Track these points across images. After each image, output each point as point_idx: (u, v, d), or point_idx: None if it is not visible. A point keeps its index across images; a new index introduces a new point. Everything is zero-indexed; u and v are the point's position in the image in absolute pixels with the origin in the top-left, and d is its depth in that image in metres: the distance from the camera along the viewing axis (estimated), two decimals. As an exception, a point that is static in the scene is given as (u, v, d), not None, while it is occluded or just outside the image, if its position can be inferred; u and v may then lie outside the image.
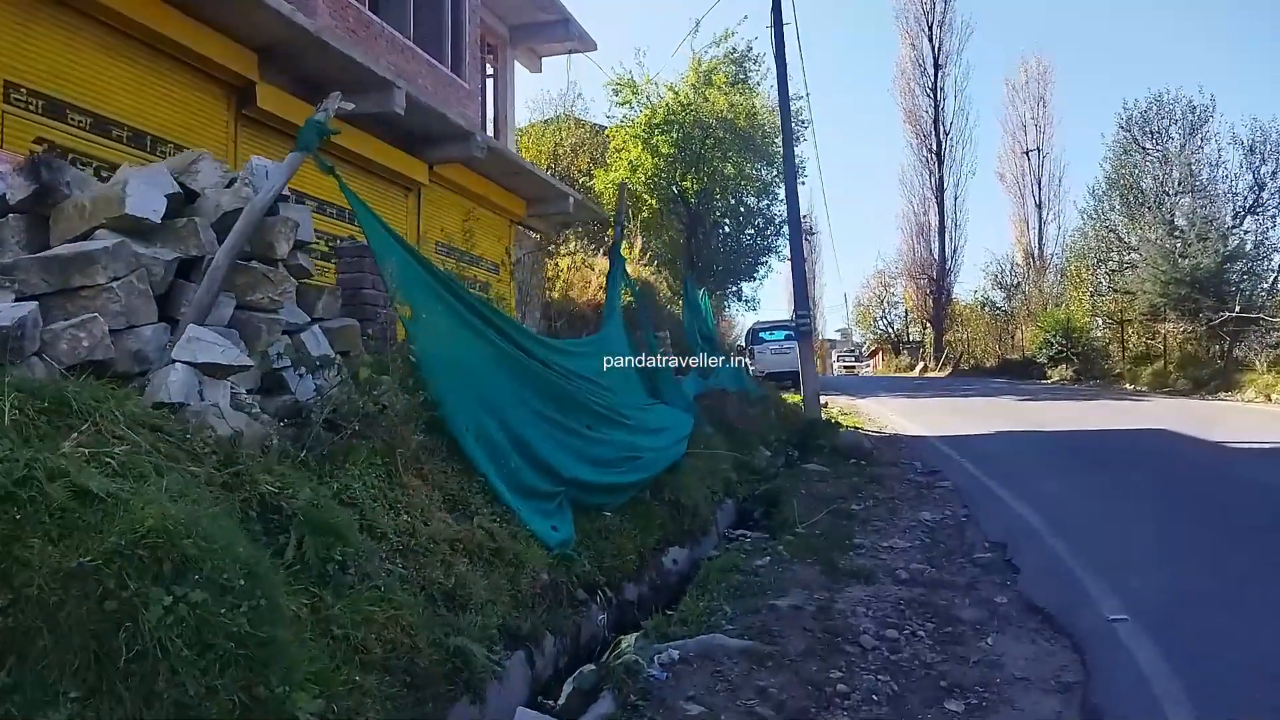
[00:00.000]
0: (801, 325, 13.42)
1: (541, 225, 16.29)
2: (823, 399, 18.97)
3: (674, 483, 6.65)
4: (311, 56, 8.33)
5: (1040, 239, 43.14)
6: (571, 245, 20.04)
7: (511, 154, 14.34)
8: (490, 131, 17.16)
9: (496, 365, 5.48)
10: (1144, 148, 26.65)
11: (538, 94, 54.14)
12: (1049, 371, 28.17)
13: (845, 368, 59.44)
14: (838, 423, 13.44)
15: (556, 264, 18.87)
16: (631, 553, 5.58)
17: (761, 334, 27.04)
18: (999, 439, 11.45)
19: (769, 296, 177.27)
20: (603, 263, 20.12)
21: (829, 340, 70.57)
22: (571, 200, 15.05)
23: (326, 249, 9.68)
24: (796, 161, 29.67)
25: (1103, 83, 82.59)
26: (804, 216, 35.95)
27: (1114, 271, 27.43)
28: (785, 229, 31.24)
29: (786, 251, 32.37)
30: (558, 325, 17.32)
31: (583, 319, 18.02)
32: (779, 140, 28.41)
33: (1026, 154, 44.23)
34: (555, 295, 17.97)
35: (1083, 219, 29.68)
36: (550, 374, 6.08)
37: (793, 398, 19.16)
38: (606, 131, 28.21)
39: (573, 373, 6.60)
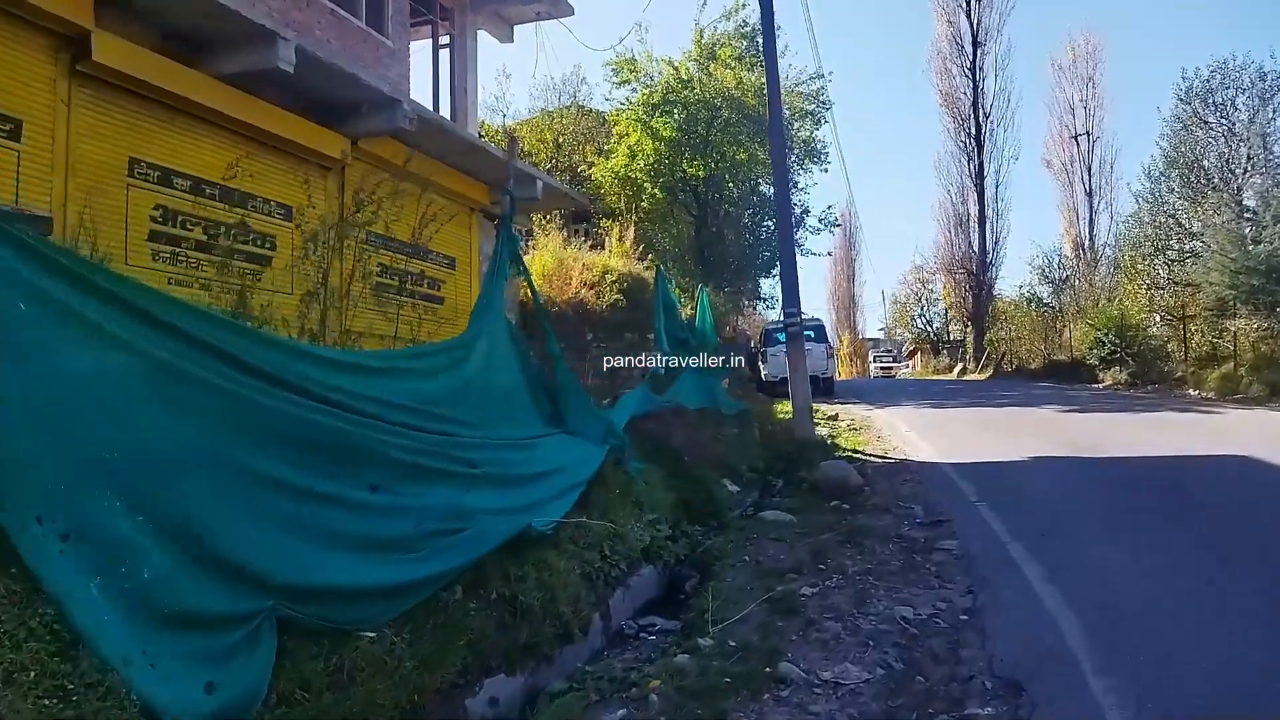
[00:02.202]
0: (790, 326, 11.08)
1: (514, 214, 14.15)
2: (833, 410, 16.60)
3: (523, 561, 4.45)
4: (160, -4, 6.55)
5: (1091, 229, 40.14)
6: (555, 238, 17.86)
7: (460, 130, 12.30)
8: (445, 107, 15.14)
9: (165, 402, 3.33)
10: (1206, 122, 23.68)
11: (542, 81, 51.77)
12: (1100, 374, 25.22)
13: (882, 369, 56.77)
14: (834, 444, 11.06)
15: (552, 255, 16.72)
16: (394, 705, 3.40)
17: (776, 335, 24.40)
18: (1034, 469, 9.00)
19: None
20: (590, 256, 17.98)
21: (870, 340, 67.82)
22: (540, 184, 12.92)
23: (204, 238, 7.81)
24: (819, 146, 27.46)
25: (1158, 60, 77.63)
26: (829, 207, 33.59)
27: (1174, 261, 24.46)
28: (807, 220, 28.96)
29: (810, 245, 30.16)
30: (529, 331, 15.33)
31: (562, 320, 15.94)
32: (797, 123, 26.12)
33: (1075, 138, 41.21)
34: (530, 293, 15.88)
35: (1138, 203, 26.67)
36: (308, 409, 3.91)
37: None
38: (608, 117, 26.06)
39: (371, 400, 4.42)
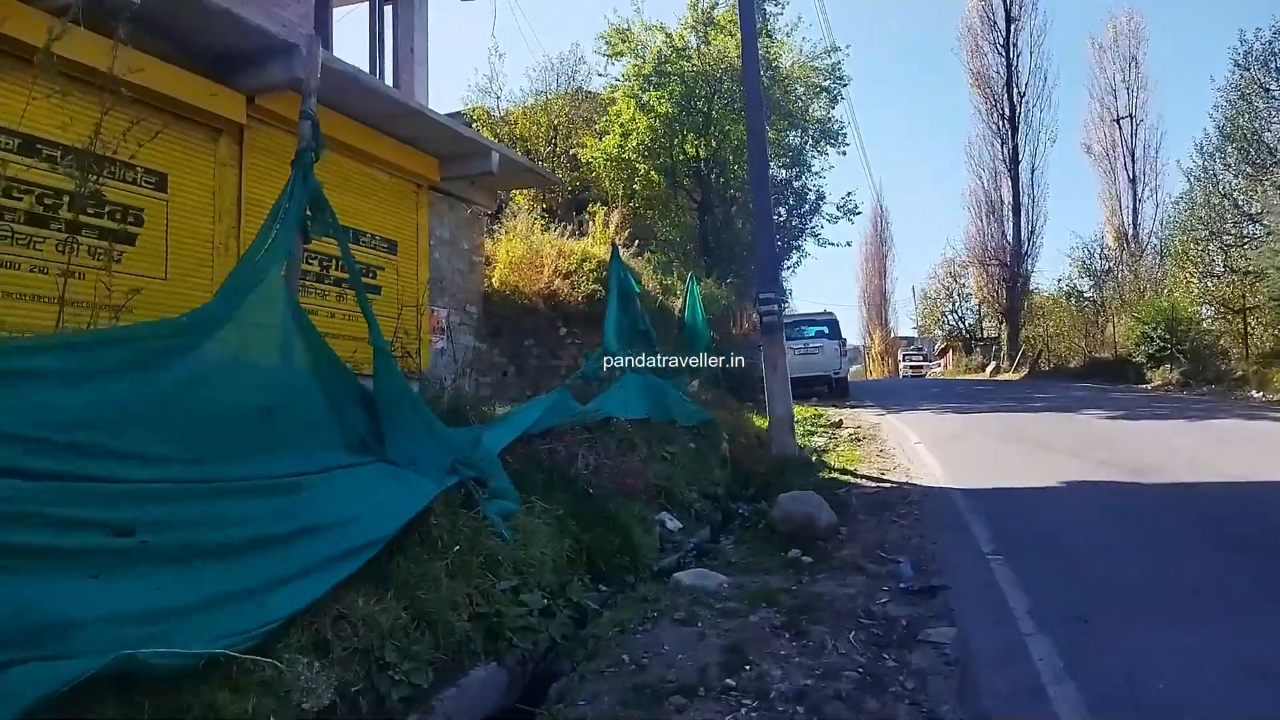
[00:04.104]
0: (766, 315, 8.96)
1: (474, 193, 12.33)
2: (839, 415, 14.45)
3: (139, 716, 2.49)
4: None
5: (1135, 218, 37.37)
6: (525, 221, 15.96)
7: (390, 89, 10.48)
8: (388, 74, 13.28)
9: None
10: (1267, 89, 21.07)
11: (540, 61, 50.12)
12: (1149, 373, 22.66)
13: (912, 368, 54.30)
14: (822, 461, 8.94)
15: (523, 240, 14.82)
16: None
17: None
18: (1072, 501, 6.85)
19: (805, 284, 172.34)
20: (568, 243, 16.01)
21: (903, 338, 65.43)
22: (495, 156, 11.07)
23: (39, 209, 6.14)
24: (836, 127, 25.18)
25: (1206, 36, 73.00)
26: (849, 194, 31.21)
27: (1230, 247, 21.88)
28: (822, 206, 26.73)
29: (826, 234, 27.74)
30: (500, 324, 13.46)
31: (532, 313, 14.03)
32: (811, 101, 23.94)
33: (1117, 121, 38.45)
34: (496, 284, 13.99)
35: (1189, 182, 24.02)
36: None
37: (809, 411, 14.65)
38: (602, 95, 24.11)
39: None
